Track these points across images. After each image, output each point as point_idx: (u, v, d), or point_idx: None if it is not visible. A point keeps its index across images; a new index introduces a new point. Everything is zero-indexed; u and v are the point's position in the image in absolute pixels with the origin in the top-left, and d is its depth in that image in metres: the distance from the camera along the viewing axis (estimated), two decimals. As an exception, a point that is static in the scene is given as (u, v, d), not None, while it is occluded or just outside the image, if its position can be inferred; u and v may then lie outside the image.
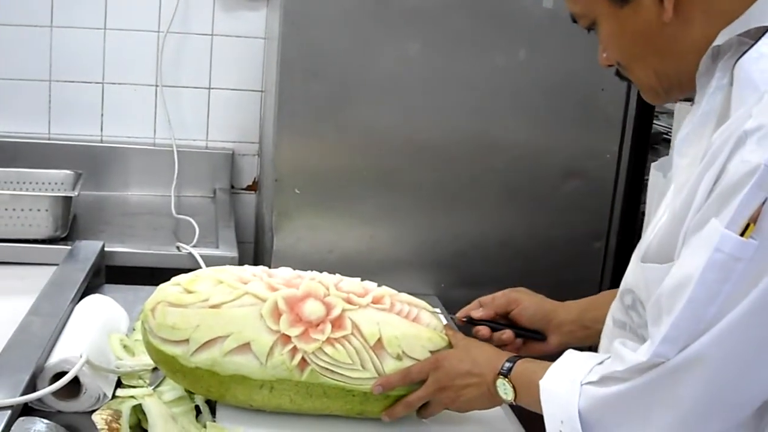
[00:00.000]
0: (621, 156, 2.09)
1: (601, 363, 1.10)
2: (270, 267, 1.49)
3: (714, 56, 1.04)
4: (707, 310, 0.94)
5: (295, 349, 1.31)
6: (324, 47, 1.94)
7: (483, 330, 1.43)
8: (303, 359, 1.31)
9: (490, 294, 1.48)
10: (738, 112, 0.97)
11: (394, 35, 1.97)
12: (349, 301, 1.36)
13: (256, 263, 1.85)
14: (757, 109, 0.94)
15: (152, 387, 1.40)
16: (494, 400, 1.29)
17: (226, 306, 1.33)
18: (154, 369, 1.42)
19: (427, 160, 2.03)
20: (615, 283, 2.42)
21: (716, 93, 1.03)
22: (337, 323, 1.33)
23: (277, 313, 1.32)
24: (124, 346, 1.53)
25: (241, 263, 1.77)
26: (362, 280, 1.43)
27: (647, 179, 2.03)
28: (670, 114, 2.33)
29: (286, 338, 1.31)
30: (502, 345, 1.42)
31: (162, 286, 1.39)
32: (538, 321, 1.44)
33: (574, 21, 1.16)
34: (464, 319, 1.46)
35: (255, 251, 2.49)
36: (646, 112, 2.10)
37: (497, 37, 2.00)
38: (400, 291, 1.43)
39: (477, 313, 1.45)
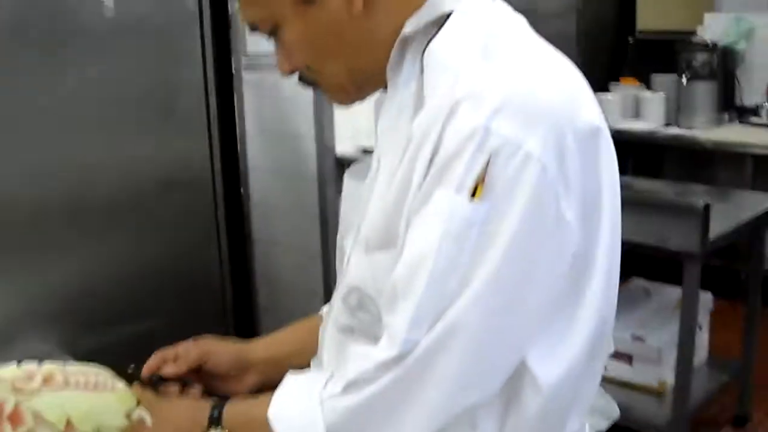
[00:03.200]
0: (212, 156, 2.05)
1: (332, 376, 1.07)
2: None
3: (402, 46, 1.04)
4: (449, 282, 0.93)
5: (-26, 466, 1.09)
6: None
7: (172, 389, 1.31)
8: (-12, 474, 1.10)
9: (173, 347, 1.37)
10: (435, 95, 0.97)
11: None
12: (19, 391, 1.17)
13: None
14: (464, 79, 0.95)
15: None
16: None
17: None
18: None
19: (18, 205, 1.83)
20: (238, 285, 2.41)
21: (409, 82, 1.03)
22: (15, 419, 1.15)
23: (-65, 433, 1.09)
24: None
25: None
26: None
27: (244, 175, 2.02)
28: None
29: (-41, 457, 1.09)
30: None
31: None
32: (234, 366, 1.36)
33: (254, 29, 1.08)
34: (152, 378, 1.33)
35: None
36: (226, 109, 2.08)
37: (63, 59, 1.84)
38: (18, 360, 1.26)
39: (168, 370, 1.32)
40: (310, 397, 1.06)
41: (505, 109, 0.92)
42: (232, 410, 1.16)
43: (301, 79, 1.11)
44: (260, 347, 1.40)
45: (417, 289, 0.94)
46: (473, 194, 0.92)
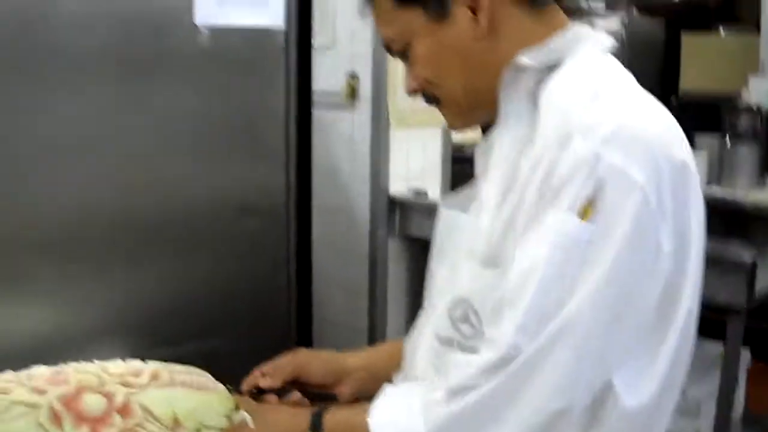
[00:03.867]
0: (289, 187, 2.13)
1: (432, 384, 1.13)
2: None
3: (514, 73, 1.14)
4: (555, 294, 1.01)
5: (88, 453, 1.16)
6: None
7: (270, 398, 1.38)
8: (99, 460, 1.16)
9: (270, 362, 1.44)
10: (546, 131, 1.06)
11: (47, 92, 1.80)
12: (128, 385, 1.24)
13: None
14: (578, 113, 1.05)
15: None
16: None
17: (-5, 424, 1.13)
18: None
19: (102, 222, 1.90)
20: (303, 313, 2.47)
21: (522, 116, 1.13)
22: (124, 411, 1.21)
23: (56, 418, 1.17)
24: None
25: None
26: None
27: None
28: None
29: (75, 442, 1.15)
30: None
31: None
32: (329, 376, 1.43)
33: (388, 48, 1.18)
34: (252, 391, 1.39)
35: None
36: (304, 144, 2.17)
37: (155, 83, 1.93)
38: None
39: (264, 383, 1.39)
40: (410, 405, 1.11)
41: (614, 140, 1.02)
42: (331, 417, 1.21)
43: (425, 96, 1.20)
44: (354, 359, 1.47)
45: (525, 297, 1.02)
46: (582, 216, 1.00)
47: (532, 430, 1.05)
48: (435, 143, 3.55)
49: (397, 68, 3.30)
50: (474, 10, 1.13)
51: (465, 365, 1.08)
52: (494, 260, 1.11)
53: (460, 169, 3.68)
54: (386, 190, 3.37)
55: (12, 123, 1.79)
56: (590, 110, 1.06)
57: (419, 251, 3.57)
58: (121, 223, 1.93)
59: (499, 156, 1.16)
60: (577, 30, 1.19)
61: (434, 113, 3.51)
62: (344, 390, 1.43)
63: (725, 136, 4.12)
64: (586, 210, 1.00)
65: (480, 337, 1.11)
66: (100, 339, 1.89)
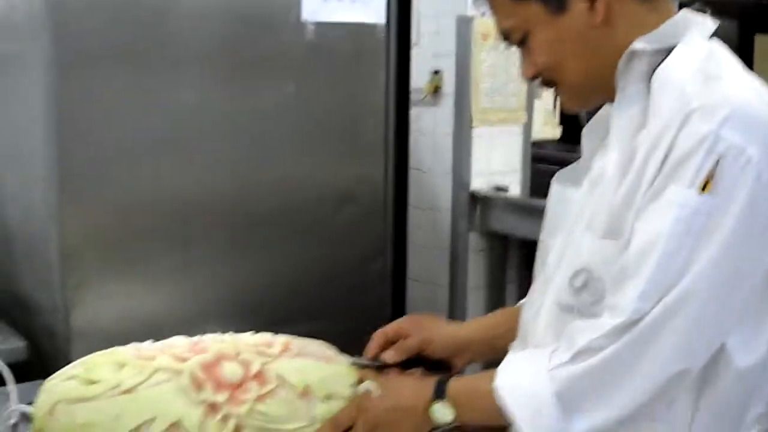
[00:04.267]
0: (387, 179, 2.20)
1: (556, 349, 1.18)
2: (70, 350, 1.38)
3: (629, 58, 1.20)
4: (677, 262, 1.08)
5: (227, 416, 1.23)
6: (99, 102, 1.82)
7: (392, 372, 1.44)
8: (237, 424, 1.24)
9: (382, 328, 1.48)
10: (661, 111, 1.13)
11: (165, 85, 1.90)
12: (262, 354, 1.31)
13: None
14: (695, 94, 1.11)
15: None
16: (427, 426, 1.27)
17: (141, 388, 1.22)
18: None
19: (214, 209, 1.99)
20: (399, 299, 2.54)
21: (636, 98, 1.19)
22: (260, 379, 1.28)
23: (197, 383, 1.24)
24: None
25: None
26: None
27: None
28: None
29: (215, 406, 1.23)
30: None
31: (49, 384, 1.24)
32: (450, 350, 1.48)
33: (506, 38, 1.24)
34: (374, 363, 1.44)
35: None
36: (402, 138, 2.23)
37: (264, 76, 2.01)
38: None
39: (389, 357, 1.45)
40: (536, 368, 1.17)
41: (732, 119, 1.08)
42: (455, 384, 1.26)
43: (543, 80, 1.28)
44: (472, 329, 1.52)
45: (648, 266, 1.09)
46: (702, 190, 1.07)
47: (654, 389, 1.12)
48: (516, 140, 3.59)
49: (479, 66, 3.36)
50: (591, 2, 1.19)
51: (590, 329, 1.14)
52: (614, 232, 1.17)
53: (540, 167, 3.72)
54: (468, 185, 3.42)
55: (132, 116, 1.89)
56: (706, 91, 1.11)
57: (499, 245, 3.62)
58: (231, 211, 2.02)
59: (616, 134, 1.21)
60: (686, 15, 1.24)
61: (516, 112, 3.55)
62: (461, 362, 1.49)
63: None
64: (706, 185, 1.07)
65: (600, 304, 1.17)
66: (212, 320, 1.96)
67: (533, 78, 1.28)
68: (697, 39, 1.21)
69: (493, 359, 1.36)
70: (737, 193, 1.07)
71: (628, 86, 1.21)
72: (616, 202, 1.16)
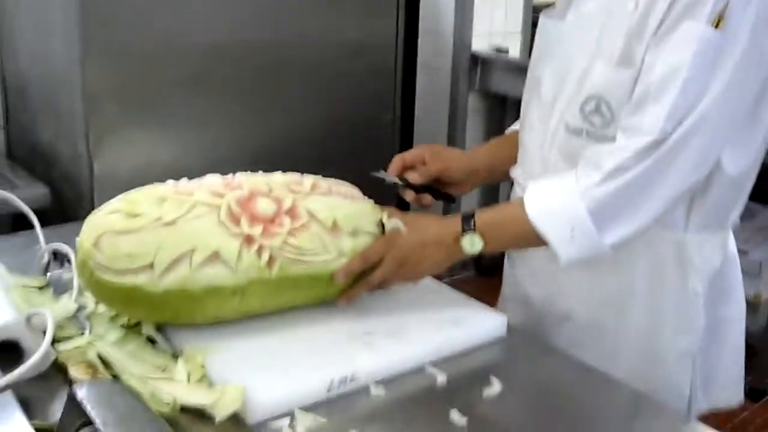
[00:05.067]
0: (398, 34, 2.22)
1: (580, 172, 1.28)
2: (94, 195, 1.43)
3: None
4: (695, 88, 1.21)
5: (261, 248, 1.30)
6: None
7: (409, 194, 1.51)
8: (271, 256, 1.30)
9: (402, 153, 1.55)
10: None
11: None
12: (293, 191, 1.36)
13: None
14: None
15: (88, 332, 1.31)
16: (454, 258, 1.36)
17: (181, 221, 1.27)
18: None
19: (233, 59, 2.02)
20: (407, 145, 2.60)
21: None
22: (292, 214, 1.34)
23: (234, 217, 1.30)
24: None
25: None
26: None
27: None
28: None
29: (250, 239, 1.29)
30: (422, 207, 1.51)
31: (93, 218, 1.29)
32: (462, 176, 1.56)
33: None
34: (400, 182, 1.51)
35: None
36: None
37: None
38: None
39: (412, 177, 1.52)
40: (566, 191, 1.28)
41: None
42: (482, 216, 1.34)
43: None
44: (483, 155, 1.62)
45: (671, 92, 1.21)
46: (716, 26, 1.19)
47: (674, 199, 1.28)
48: (517, 3, 3.59)
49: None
50: None
51: (618, 151, 1.25)
52: (627, 60, 1.27)
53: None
54: (469, 46, 3.44)
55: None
56: None
57: (498, 106, 3.67)
58: (250, 62, 2.07)
59: None
60: None
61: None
62: (470, 186, 1.59)
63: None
64: (719, 21, 1.19)
65: (609, 127, 1.28)
66: (229, 167, 2.02)
67: None
68: None
69: (491, 182, 1.45)
70: (742, 29, 1.20)
71: None
72: (628, 32, 1.26)
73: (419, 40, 2.74)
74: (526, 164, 1.48)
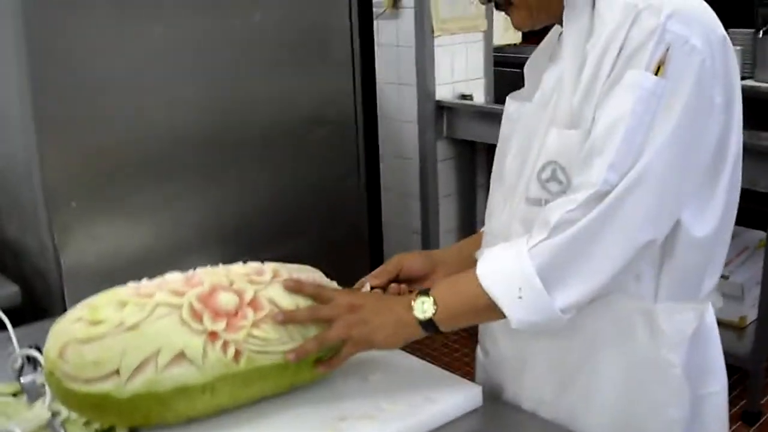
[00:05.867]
0: (355, 94, 2.24)
1: (530, 234, 1.27)
2: (64, 290, 1.44)
3: None
4: (639, 138, 1.20)
5: (226, 343, 1.30)
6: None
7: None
8: (236, 350, 1.31)
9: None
10: (606, 22, 1.24)
11: (137, 20, 1.93)
12: (254, 282, 1.37)
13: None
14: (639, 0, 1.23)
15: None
16: (407, 326, 1.33)
17: (144, 323, 1.28)
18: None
19: (191, 140, 2.03)
20: (375, 210, 2.61)
21: (583, 15, 1.29)
22: (254, 305, 1.35)
23: (196, 314, 1.31)
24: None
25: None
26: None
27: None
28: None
29: (215, 335, 1.30)
30: None
31: (57, 327, 1.30)
32: (427, 267, 1.56)
33: None
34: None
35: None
36: (368, 56, 2.27)
37: (232, 7, 2.04)
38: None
39: (375, 281, 1.52)
40: (515, 251, 1.27)
41: (676, 15, 1.20)
42: (438, 282, 1.36)
43: (496, 2, 1.36)
44: (446, 251, 1.63)
45: (614, 142, 1.20)
46: (656, 73, 1.20)
47: (626, 257, 1.24)
48: (477, 48, 3.63)
49: (436, -24, 3.36)
50: None
51: (563, 204, 1.24)
52: (576, 122, 1.27)
53: (502, 72, 3.77)
54: (433, 95, 3.47)
55: (106, 52, 1.92)
56: None
57: (467, 152, 3.70)
58: (208, 141, 2.07)
59: (568, 45, 1.30)
60: None
61: (475, 20, 3.57)
62: (438, 277, 1.55)
63: (758, 30, 4.13)
64: (659, 69, 1.19)
65: (567, 192, 1.27)
66: (197, 249, 2.04)
67: (489, 1, 1.34)
68: None
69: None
70: (685, 77, 1.20)
71: (575, 5, 1.30)
72: (576, 97, 1.27)
73: (378, 95, 2.78)
74: (489, 244, 1.47)
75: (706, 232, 1.30)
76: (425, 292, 1.33)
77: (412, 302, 1.32)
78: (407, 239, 3.63)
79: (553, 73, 1.36)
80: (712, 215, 1.30)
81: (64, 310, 1.37)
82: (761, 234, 3.37)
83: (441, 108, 3.48)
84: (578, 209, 1.22)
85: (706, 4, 1.28)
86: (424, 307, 1.32)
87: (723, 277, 3.32)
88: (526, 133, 1.38)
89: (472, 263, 1.37)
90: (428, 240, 3.61)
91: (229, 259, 1.99)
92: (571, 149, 1.27)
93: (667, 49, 1.19)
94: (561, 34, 1.37)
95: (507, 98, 1.51)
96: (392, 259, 1.56)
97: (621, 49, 1.22)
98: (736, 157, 1.31)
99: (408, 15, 3.44)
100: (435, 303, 1.31)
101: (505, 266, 1.27)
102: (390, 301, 1.39)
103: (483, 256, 1.33)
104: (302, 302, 1.38)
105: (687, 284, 1.34)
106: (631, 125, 1.20)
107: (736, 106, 1.28)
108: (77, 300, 1.35)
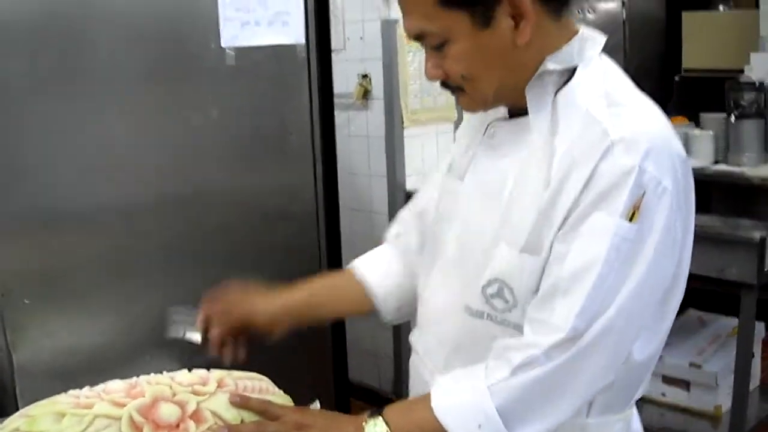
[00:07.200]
0: (317, 190, 2.24)
1: (488, 366, 1.24)
2: (16, 388, 1.41)
3: (539, 77, 1.26)
4: (609, 285, 1.17)
5: (167, 457, 1.27)
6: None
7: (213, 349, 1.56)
8: (177, 464, 1.27)
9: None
10: (571, 127, 1.22)
11: (89, 114, 1.93)
12: (197, 393, 1.35)
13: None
14: (611, 125, 1.19)
15: None
16: None
17: (82, 437, 1.25)
18: None
19: (148, 237, 2.02)
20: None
21: (544, 111, 1.26)
22: (196, 418, 1.32)
23: (137, 427, 1.28)
24: None
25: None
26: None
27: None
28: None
29: (155, 449, 1.27)
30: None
31: (-8, 442, 1.26)
32: (272, 319, 1.57)
33: (417, 39, 1.28)
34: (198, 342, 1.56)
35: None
36: (329, 149, 2.28)
37: (188, 103, 2.05)
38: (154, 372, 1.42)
39: (214, 332, 1.55)
40: (473, 385, 1.23)
41: (652, 153, 1.18)
42: (391, 406, 1.31)
43: (444, 85, 1.32)
44: (294, 296, 1.60)
45: (585, 287, 1.17)
46: (630, 219, 1.17)
47: (585, 398, 1.25)
48: (447, 138, 3.65)
49: (406, 68, 3.41)
50: (516, 21, 1.22)
51: (526, 347, 1.21)
52: (533, 248, 1.23)
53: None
54: (403, 186, 3.48)
55: (57, 144, 1.91)
56: (619, 122, 1.20)
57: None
58: (165, 238, 2.05)
59: (528, 148, 1.27)
60: (583, 34, 1.31)
61: (446, 111, 3.59)
62: (280, 329, 1.56)
63: (730, 114, 4.17)
64: (634, 214, 1.16)
65: (512, 312, 1.26)
66: (153, 348, 2.00)
67: (436, 79, 1.30)
68: (594, 60, 1.29)
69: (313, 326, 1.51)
70: (657, 220, 1.18)
71: (537, 102, 1.27)
72: (534, 218, 1.23)
73: (347, 185, 2.77)
74: (423, 333, 1.46)
75: (647, 356, 1.30)
76: (377, 413, 1.30)
77: (364, 423, 1.29)
78: (380, 335, 3.60)
79: (497, 167, 1.32)
80: (656, 339, 1.30)
81: (17, 408, 1.34)
82: (733, 321, 3.35)
83: (410, 198, 3.47)
84: (543, 354, 1.19)
85: (667, 124, 1.26)
86: (375, 430, 1.28)
87: (696, 366, 3.34)
88: (467, 225, 1.36)
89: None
90: (400, 338, 3.57)
91: (187, 360, 1.98)
92: (524, 274, 1.24)
93: (642, 194, 1.16)
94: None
95: (443, 172, 1.48)
96: (238, 307, 1.57)
97: (588, 181, 1.18)
98: (684, 280, 1.29)
99: (378, 106, 3.47)
100: (388, 426, 1.28)
101: (463, 401, 1.24)
102: (340, 421, 1.34)
103: (437, 383, 1.29)
104: (246, 416, 1.35)
105: (620, 399, 1.34)
106: (603, 272, 1.16)
107: (690, 233, 1.26)
108: (31, 398, 1.33)
